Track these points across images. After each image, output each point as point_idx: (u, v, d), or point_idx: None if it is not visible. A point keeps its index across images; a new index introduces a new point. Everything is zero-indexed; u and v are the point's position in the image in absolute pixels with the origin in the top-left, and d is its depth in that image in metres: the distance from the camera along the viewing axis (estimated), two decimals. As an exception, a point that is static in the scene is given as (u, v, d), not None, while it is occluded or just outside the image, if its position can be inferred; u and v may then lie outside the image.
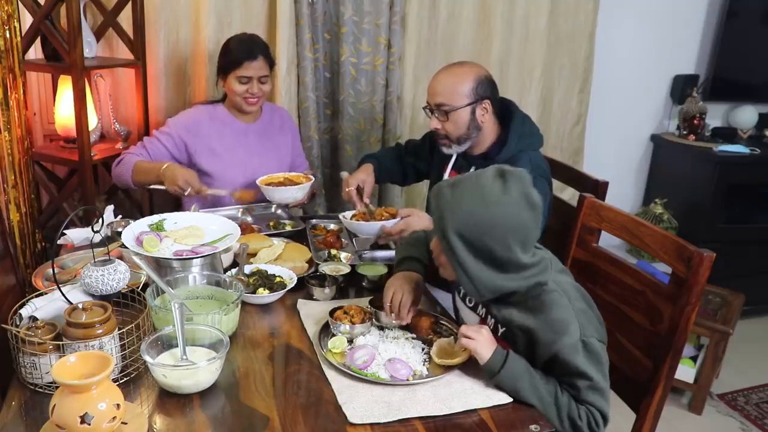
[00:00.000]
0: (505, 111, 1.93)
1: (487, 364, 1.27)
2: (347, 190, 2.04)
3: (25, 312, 1.27)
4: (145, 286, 1.48)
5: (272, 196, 2.09)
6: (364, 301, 1.54)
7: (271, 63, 2.20)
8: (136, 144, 2.20)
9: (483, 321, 1.40)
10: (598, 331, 1.32)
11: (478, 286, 1.27)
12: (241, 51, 2.12)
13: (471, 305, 1.44)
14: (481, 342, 1.28)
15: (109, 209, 1.92)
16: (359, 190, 2.05)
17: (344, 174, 2.14)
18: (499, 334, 1.35)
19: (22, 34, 1.85)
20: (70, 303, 1.28)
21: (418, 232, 1.72)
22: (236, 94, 2.15)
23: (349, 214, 1.96)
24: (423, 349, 1.39)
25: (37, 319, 1.25)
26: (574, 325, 1.26)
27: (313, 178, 2.17)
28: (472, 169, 1.92)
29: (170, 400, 1.20)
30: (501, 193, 1.22)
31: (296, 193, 2.10)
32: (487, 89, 1.85)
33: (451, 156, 1.98)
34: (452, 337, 1.44)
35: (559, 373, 1.28)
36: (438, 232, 1.27)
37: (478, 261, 1.24)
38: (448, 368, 1.32)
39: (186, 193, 1.97)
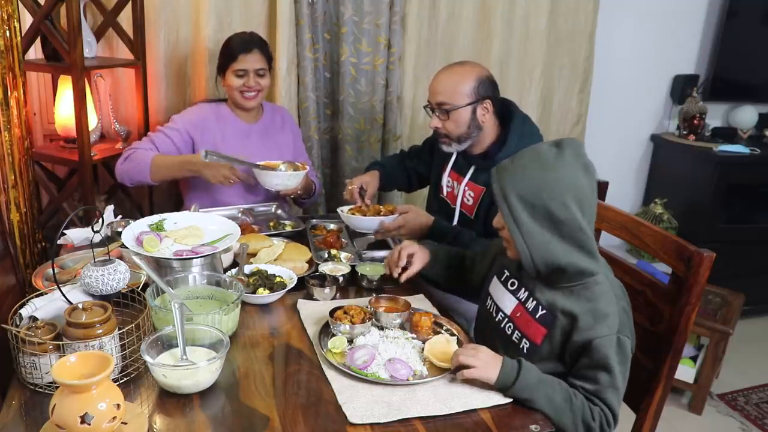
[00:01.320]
0: (506, 111, 1.93)
1: (497, 383, 1.25)
2: (350, 188, 2.06)
3: (25, 312, 1.27)
4: (145, 286, 1.48)
5: (263, 180, 2.09)
6: (364, 301, 1.54)
7: (268, 58, 2.21)
8: (139, 140, 2.19)
9: (522, 304, 1.39)
10: (632, 336, 1.33)
11: (533, 252, 1.29)
12: (236, 45, 2.15)
13: (512, 288, 1.43)
14: (482, 367, 1.26)
15: (109, 209, 1.92)
16: (361, 191, 2.06)
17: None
18: (538, 316, 1.34)
19: (22, 34, 1.85)
20: (70, 303, 1.28)
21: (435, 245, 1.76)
22: (234, 89, 2.17)
23: (346, 208, 1.97)
24: (423, 349, 1.39)
25: (37, 319, 1.25)
26: (614, 319, 1.28)
27: (308, 167, 2.14)
28: (471, 169, 1.92)
29: (170, 400, 1.20)
30: (556, 156, 1.28)
31: (287, 180, 2.09)
32: (488, 89, 1.85)
33: (450, 156, 1.98)
34: (446, 334, 1.45)
35: (586, 365, 1.27)
36: (500, 201, 1.31)
37: (536, 222, 1.28)
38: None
39: (231, 182, 2.01)
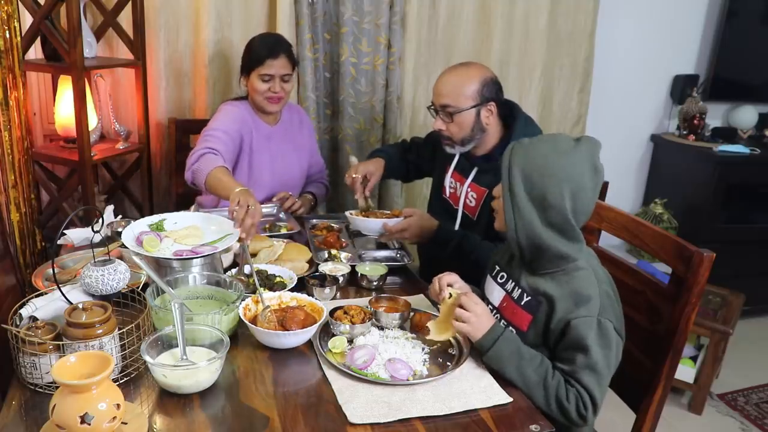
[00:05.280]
0: (508, 112, 1.93)
1: (477, 343, 1.32)
2: (354, 176, 2.05)
3: (25, 312, 1.27)
4: (145, 286, 1.48)
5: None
6: (364, 301, 1.54)
7: (294, 62, 2.17)
8: (203, 139, 2.02)
9: (509, 294, 1.43)
10: (618, 320, 1.34)
11: (518, 225, 1.33)
12: (263, 49, 2.10)
13: (501, 281, 1.47)
14: (473, 325, 1.32)
15: (109, 209, 1.92)
16: (364, 181, 2.06)
17: (353, 159, 2.15)
18: (523, 303, 1.38)
19: (22, 34, 1.85)
20: (70, 303, 1.28)
21: None
22: (258, 93, 2.11)
23: (354, 212, 1.98)
24: (423, 349, 1.39)
25: (37, 319, 1.25)
26: (595, 301, 1.29)
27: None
28: (474, 171, 1.92)
29: (170, 400, 1.20)
30: (571, 147, 1.32)
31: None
32: (492, 91, 1.85)
33: (453, 156, 1.98)
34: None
35: (564, 345, 1.30)
36: (504, 170, 1.35)
37: (529, 199, 1.32)
38: (449, 363, 1.34)
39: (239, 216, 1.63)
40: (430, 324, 1.42)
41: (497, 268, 1.51)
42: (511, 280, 1.44)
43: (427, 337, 1.41)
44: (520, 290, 1.40)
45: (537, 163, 1.31)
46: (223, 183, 1.81)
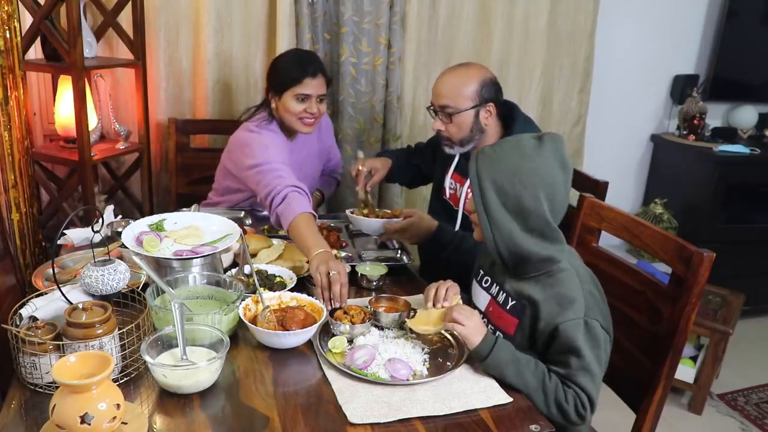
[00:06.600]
0: (508, 113, 1.93)
1: (475, 350, 1.31)
2: (359, 168, 2.05)
3: (25, 312, 1.27)
4: (145, 286, 1.48)
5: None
6: (364, 301, 1.54)
7: (328, 81, 2.08)
8: (272, 175, 1.87)
9: (494, 298, 1.43)
10: (604, 317, 1.34)
11: (497, 238, 1.32)
12: (300, 67, 1.99)
13: (486, 285, 1.47)
14: (471, 328, 1.31)
15: (109, 209, 1.92)
16: (368, 176, 2.08)
17: (361, 154, 2.17)
18: (508, 308, 1.38)
19: (22, 34, 1.85)
20: (70, 303, 1.28)
21: None
22: (292, 114, 2.01)
23: (354, 211, 2.00)
24: (423, 349, 1.39)
25: (37, 319, 1.25)
26: (579, 302, 1.30)
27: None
28: (474, 171, 1.92)
29: (170, 400, 1.20)
30: (535, 148, 1.30)
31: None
32: (491, 92, 1.85)
33: (453, 158, 1.98)
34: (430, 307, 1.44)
35: (556, 350, 1.30)
36: (474, 184, 1.34)
37: (505, 209, 1.31)
38: (449, 363, 1.34)
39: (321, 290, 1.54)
40: (420, 311, 1.42)
41: (481, 272, 1.50)
42: (495, 284, 1.44)
43: (407, 322, 1.41)
44: (504, 294, 1.40)
45: (506, 171, 1.30)
46: (303, 238, 1.67)
